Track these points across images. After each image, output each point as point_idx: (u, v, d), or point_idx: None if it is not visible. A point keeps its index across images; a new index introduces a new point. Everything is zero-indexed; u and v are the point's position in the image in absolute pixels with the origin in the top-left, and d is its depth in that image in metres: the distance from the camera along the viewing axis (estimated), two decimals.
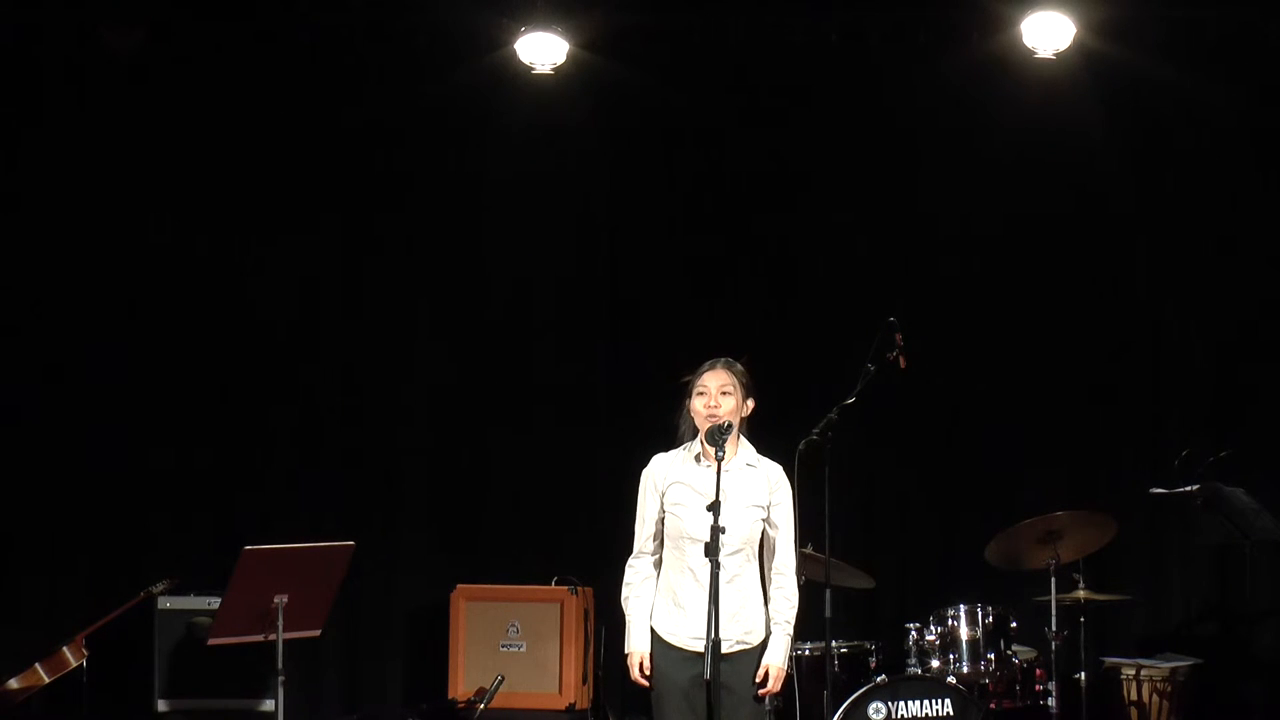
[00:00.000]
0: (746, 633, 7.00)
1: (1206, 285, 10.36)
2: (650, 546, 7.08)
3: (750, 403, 7.11)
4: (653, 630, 7.03)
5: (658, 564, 7.09)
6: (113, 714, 9.95)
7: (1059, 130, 10.36)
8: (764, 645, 7.02)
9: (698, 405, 7.03)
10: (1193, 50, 10.09)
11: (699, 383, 7.06)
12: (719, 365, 7.09)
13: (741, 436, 7.10)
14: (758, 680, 6.97)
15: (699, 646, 6.83)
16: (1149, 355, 10.42)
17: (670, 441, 7.21)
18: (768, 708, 7.10)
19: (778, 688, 7.03)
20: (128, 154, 10.46)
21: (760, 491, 7.05)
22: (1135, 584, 10.05)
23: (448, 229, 10.70)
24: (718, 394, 7.02)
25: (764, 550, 7.09)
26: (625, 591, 7.11)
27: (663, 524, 7.05)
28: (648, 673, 7.00)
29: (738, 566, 6.98)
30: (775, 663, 7.00)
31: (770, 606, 7.07)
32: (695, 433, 7.09)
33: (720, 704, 6.81)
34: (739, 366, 7.11)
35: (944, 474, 10.44)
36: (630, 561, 7.13)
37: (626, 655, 7.06)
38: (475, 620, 10.00)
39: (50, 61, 10.38)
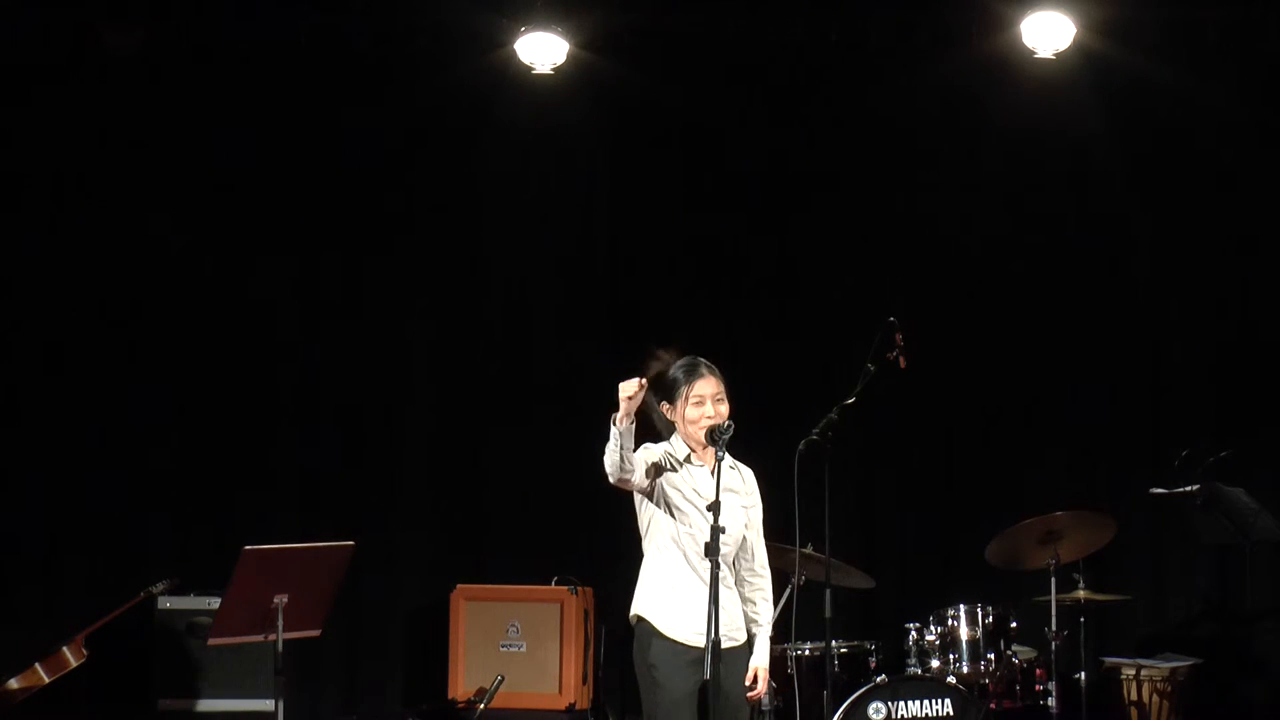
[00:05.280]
0: (737, 630, 7.00)
1: (1207, 285, 10.36)
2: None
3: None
4: (656, 629, 6.96)
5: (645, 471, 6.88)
6: (113, 714, 9.96)
7: (1059, 130, 10.36)
8: (748, 645, 7.02)
9: (693, 414, 6.94)
10: (1193, 50, 10.09)
11: (692, 391, 6.96)
12: (704, 369, 6.99)
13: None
14: (747, 683, 6.97)
15: (703, 641, 6.80)
16: (1149, 355, 10.43)
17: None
18: (765, 708, 7.10)
19: (764, 689, 7.02)
20: (127, 154, 10.46)
21: (744, 493, 7.06)
22: (1135, 584, 10.06)
23: (448, 229, 10.70)
24: (713, 402, 6.95)
25: (738, 550, 7.07)
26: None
27: (661, 520, 6.99)
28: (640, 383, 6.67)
29: (726, 566, 6.96)
30: (763, 665, 7.01)
31: (752, 608, 7.06)
32: (663, 434, 7.02)
33: (720, 707, 6.80)
34: (716, 369, 7.06)
35: (944, 474, 10.44)
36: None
37: (621, 406, 6.69)
38: (475, 620, 10.00)
39: (50, 61, 10.38)
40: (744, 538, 7.04)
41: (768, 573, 7.10)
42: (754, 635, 7.04)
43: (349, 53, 10.40)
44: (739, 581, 7.06)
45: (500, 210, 10.69)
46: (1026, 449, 10.39)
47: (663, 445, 7.03)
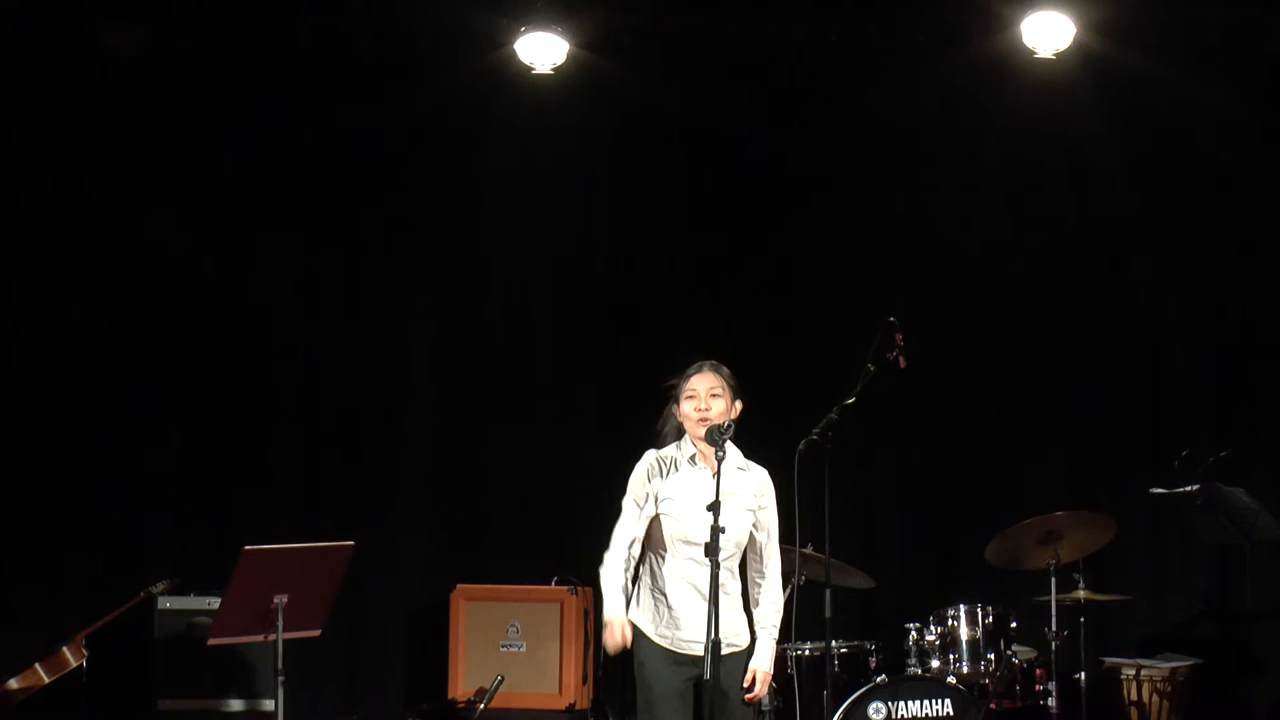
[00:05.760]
0: (736, 635, 7.00)
1: (1207, 285, 10.36)
2: (637, 533, 7.01)
3: (738, 405, 7.08)
4: (643, 633, 7.01)
5: (634, 544, 7.01)
6: (113, 714, 9.95)
7: (1059, 130, 10.36)
8: (751, 648, 7.02)
9: (687, 409, 7.00)
10: (1193, 50, 10.09)
11: (687, 386, 7.03)
12: (706, 368, 7.06)
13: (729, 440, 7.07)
14: (745, 685, 6.97)
15: (693, 649, 6.83)
16: (1149, 355, 10.42)
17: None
18: (765, 708, 7.10)
19: (764, 692, 7.03)
20: (127, 154, 10.46)
21: (750, 496, 7.04)
22: (1135, 584, 10.06)
23: (448, 229, 10.70)
24: (707, 396, 6.99)
25: (748, 554, 7.07)
26: (604, 561, 7.02)
27: (653, 521, 7.01)
28: (627, 641, 6.95)
29: (729, 570, 6.97)
30: (762, 667, 7.01)
31: (756, 610, 7.07)
32: (679, 435, 7.07)
33: (717, 709, 6.81)
34: (725, 369, 7.08)
35: (944, 474, 10.45)
36: (615, 540, 7.03)
37: (605, 625, 6.99)
38: (475, 620, 10.00)
39: (50, 61, 10.38)
40: (754, 540, 7.04)
41: (777, 575, 7.09)
42: (757, 638, 7.04)
43: (349, 53, 10.40)
44: (749, 584, 7.07)
45: (500, 210, 10.69)
46: (1026, 449, 10.38)
47: (668, 449, 7.08)
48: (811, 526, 8.10)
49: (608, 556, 7.05)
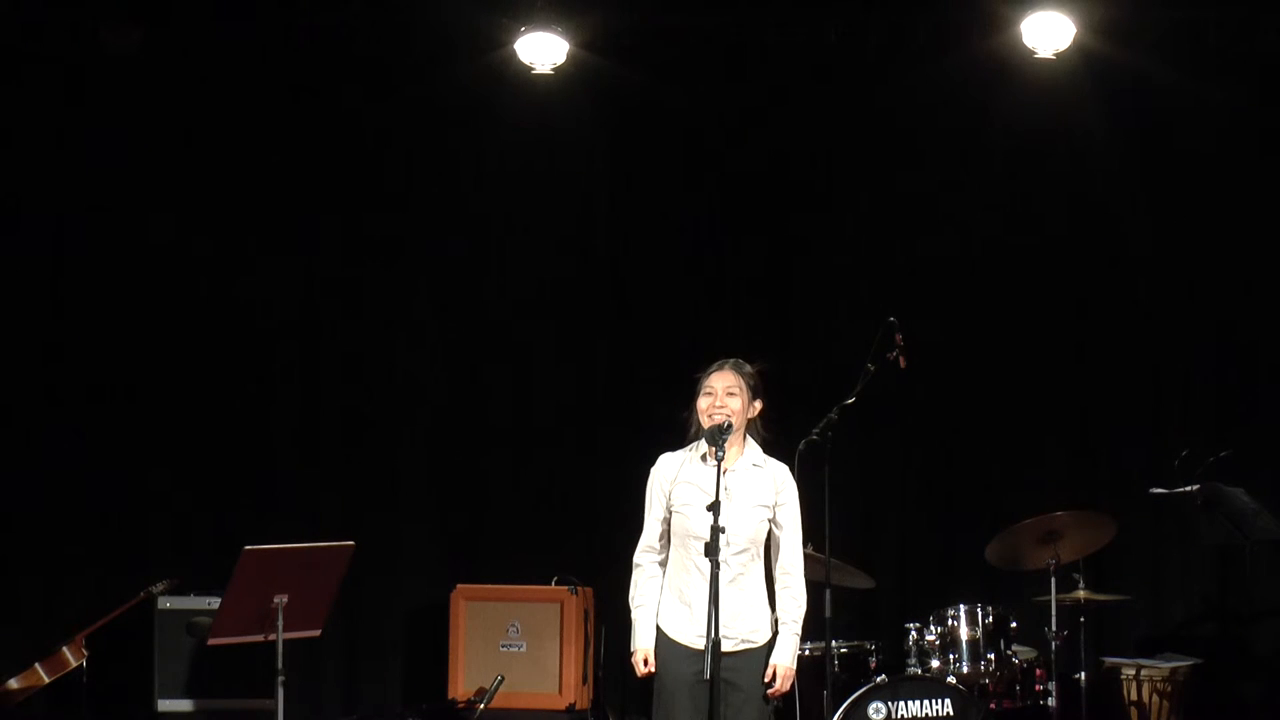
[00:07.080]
0: (752, 631, 7.02)
1: (1206, 284, 10.36)
2: (656, 545, 7.13)
3: (758, 404, 7.12)
4: (660, 627, 7.07)
5: (663, 563, 7.12)
6: (113, 714, 9.96)
7: (1059, 130, 10.36)
8: (771, 645, 7.04)
9: (702, 405, 7.07)
10: (1193, 50, 10.09)
11: (706, 383, 7.09)
12: (726, 366, 7.11)
13: (749, 437, 7.12)
14: (766, 680, 6.99)
15: (703, 644, 6.85)
16: (1149, 355, 10.42)
17: (674, 439, 7.22)
18: (770, 707, 7.12)
19: (786, 687, 7.05)
20: (126, 154, 10.45)
21: (766, 492, 7.07)
22: (1135, 584, 10.05)
23: (448, 229, 10.70)
24: (723, 394, 7.04)
25: (770, 550, 7.10)
26: (632, 592, 7.17)
27: (669, 523, 7.07)
28: (652, 667, 7.04)
29: (741, 566, 7.00)
30: (783, 663, 7.03)
31: (778, 607, 7.09)
32: (702, 432, 7.11)
33: (728, 702, 6.85)
34: (748, 367, 7.12)
35: (944, 474, 10.44)
36: (636, 559, 7.17)
37: (631, 653, 7.11)
38: (475, 620, 10.00)
39: (50, 61, 10.37)
40: (773, 537, 7.08)
41: (798, 571, 7.12)
42: (777, 634, 7.06)
43: (349, 53, 10.40)
44: (771, 581, 7.10)
45: (500, 209, 10.69)
46: (1026, 449, 10.38)
47: (684, 449, 7.12)
48: (812, 526, 8.09)
49: (637, 583, 7.15)
